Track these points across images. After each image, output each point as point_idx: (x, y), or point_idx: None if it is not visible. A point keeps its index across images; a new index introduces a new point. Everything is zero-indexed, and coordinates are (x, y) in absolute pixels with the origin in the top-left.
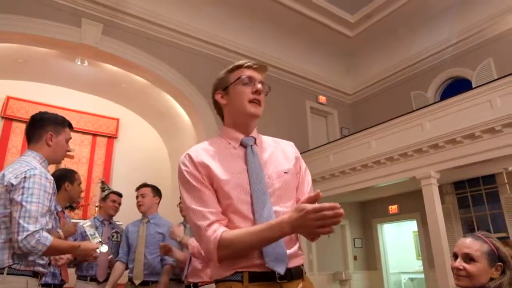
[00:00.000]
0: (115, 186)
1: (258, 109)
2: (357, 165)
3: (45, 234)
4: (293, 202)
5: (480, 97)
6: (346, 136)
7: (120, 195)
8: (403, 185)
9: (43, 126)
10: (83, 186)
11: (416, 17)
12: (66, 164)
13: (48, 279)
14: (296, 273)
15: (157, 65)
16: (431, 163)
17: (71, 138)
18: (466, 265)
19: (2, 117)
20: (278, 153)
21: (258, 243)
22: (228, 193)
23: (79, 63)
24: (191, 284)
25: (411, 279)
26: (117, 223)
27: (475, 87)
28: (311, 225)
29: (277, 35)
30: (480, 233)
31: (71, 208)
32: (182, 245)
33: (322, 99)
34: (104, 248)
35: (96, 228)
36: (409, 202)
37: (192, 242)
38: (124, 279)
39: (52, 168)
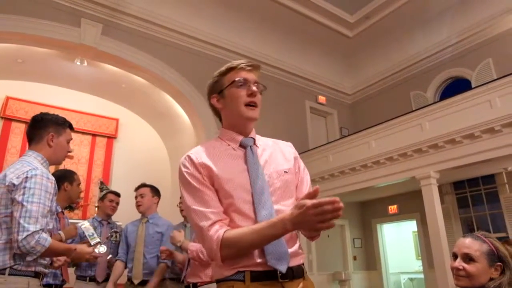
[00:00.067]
0: (114, 186)
1: (255, 112)
2: (356, 165)
3: (44, 235)
4: (293, 201)
5: (480, 97)
6: (345, 136)
7: (118, 195)
8: (402, 185)
9: (44, 127)
10: (83, 186)
11: (416, 17)
12: (65, 164)
13: (50, 279)
14: (297, 272)
15: (156, 65)
16: (431, 163)
17: (72, 139)
18: (465, 265)
19: (2, 117)
20: (277, 154)
21: (260, 241)
22: (229, 193)
23: (78, 63)
24: (191, 284)
25: (411, 279)
26: (117, 223)
27: (474, 87)
28: (311, 220)
29: (276, 35)
30: (479, 233)
31: (71, 208)
32: (182, 249)
33: (322, 99)
34: (103, 249)
35: (95, 228)
36: (409, 202)
37: (191, 246)
38: (123, 279)
39: (52, 169)
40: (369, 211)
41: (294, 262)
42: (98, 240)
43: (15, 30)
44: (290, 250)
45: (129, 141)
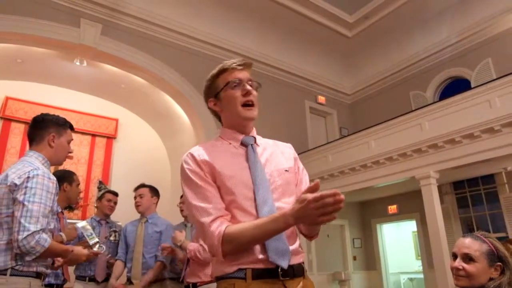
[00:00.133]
0: (114, 186)
1: (253, 112)
2: (356, 165)
3: (44, 235)
4: (294, 199)
5: (479, 97)
6: (345, 136)
7: (115, 194)
8: (402, 185)
9: (45, 127)
10: (82, 186)
11: (415, 17)
12: (65, 164)
13: (51, 279)
14: (297, 271)
15: (156, 65)
16: (430, 163)
17: (72, 139)
18: (465, 265)
19: (1, 118)
20: (278, 153)
21: (262, 236)
22: (231, 189)
23: (78, 63)
24: (190, 284)
25: (411, 279)
26: (117, 223)
27: (474, 87)
28: (313, 214)
29: (276, 35)
30: (479, 233)
31: (70, 208)
32: (182, 249)
33: (321, 99)
34: (102, 248)
35: (93, 228)
36: (409, 202)
37: (190, 246)
38: (123, 279)
39: (52, 169)
40: (369, 211)
41: (294, 260)
42: (96, 239)
43: (15, 30)
44: (291, 248)
45: (129, 141)
